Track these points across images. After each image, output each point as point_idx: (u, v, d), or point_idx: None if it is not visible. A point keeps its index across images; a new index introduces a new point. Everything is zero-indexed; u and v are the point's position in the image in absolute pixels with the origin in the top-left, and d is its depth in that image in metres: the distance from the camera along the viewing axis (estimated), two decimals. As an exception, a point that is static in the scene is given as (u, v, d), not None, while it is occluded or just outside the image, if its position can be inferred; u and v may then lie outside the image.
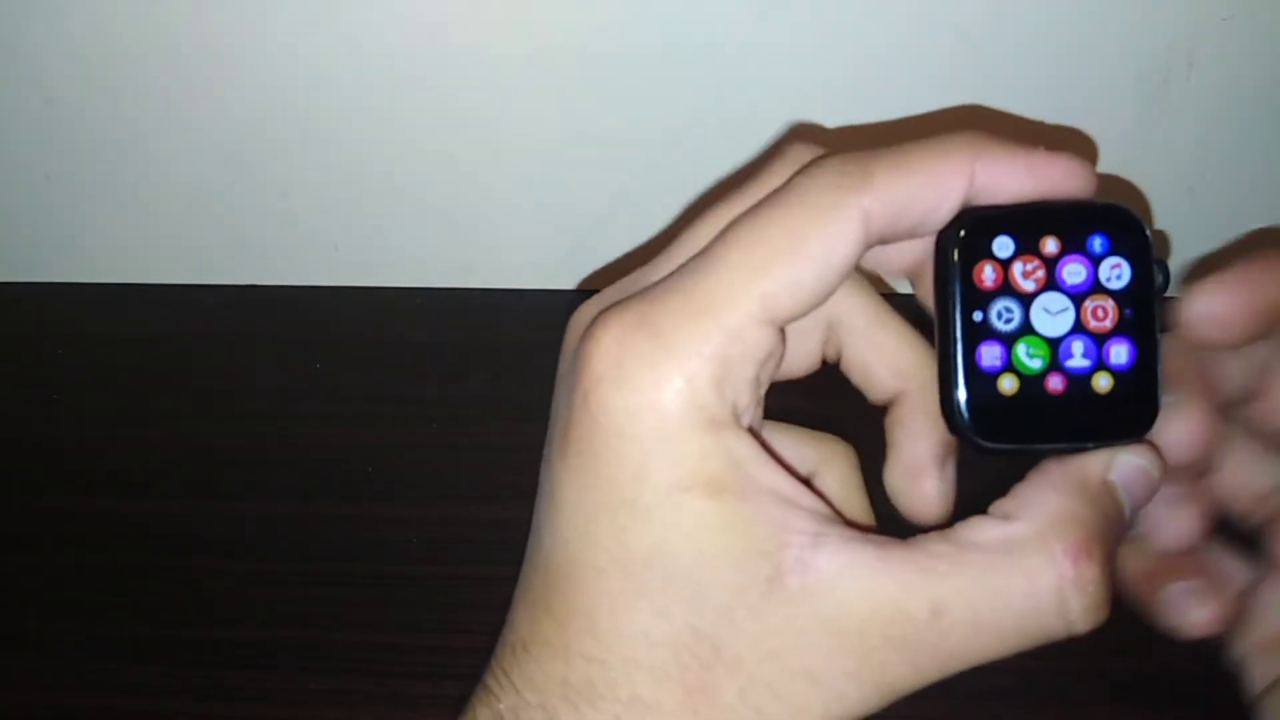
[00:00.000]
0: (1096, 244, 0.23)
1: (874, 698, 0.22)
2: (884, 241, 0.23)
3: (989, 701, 0.40)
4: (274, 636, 0.44)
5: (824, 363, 0.27)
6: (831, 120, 0.48)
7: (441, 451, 0.50)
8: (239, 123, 0.50)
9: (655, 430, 0.22)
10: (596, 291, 0.27)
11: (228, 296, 0.56)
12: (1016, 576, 0.22)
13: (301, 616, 0.45)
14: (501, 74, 0.48)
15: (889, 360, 0.25)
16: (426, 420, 0.51)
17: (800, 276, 0.22)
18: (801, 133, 0.48)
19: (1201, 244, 0.50)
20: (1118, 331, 0.23)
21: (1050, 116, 0.47)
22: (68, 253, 0.56)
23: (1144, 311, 0.23)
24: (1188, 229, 0.49)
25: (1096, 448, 0.24)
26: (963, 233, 0.23)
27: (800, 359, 0.26)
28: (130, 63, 0.48)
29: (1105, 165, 0.48)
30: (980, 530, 0.22)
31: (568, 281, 0.55)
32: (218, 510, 0.48)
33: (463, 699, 0.43)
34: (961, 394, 0.23)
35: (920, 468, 0.25)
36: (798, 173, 0.23)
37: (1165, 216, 0.48)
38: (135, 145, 0.51)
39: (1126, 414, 0.24)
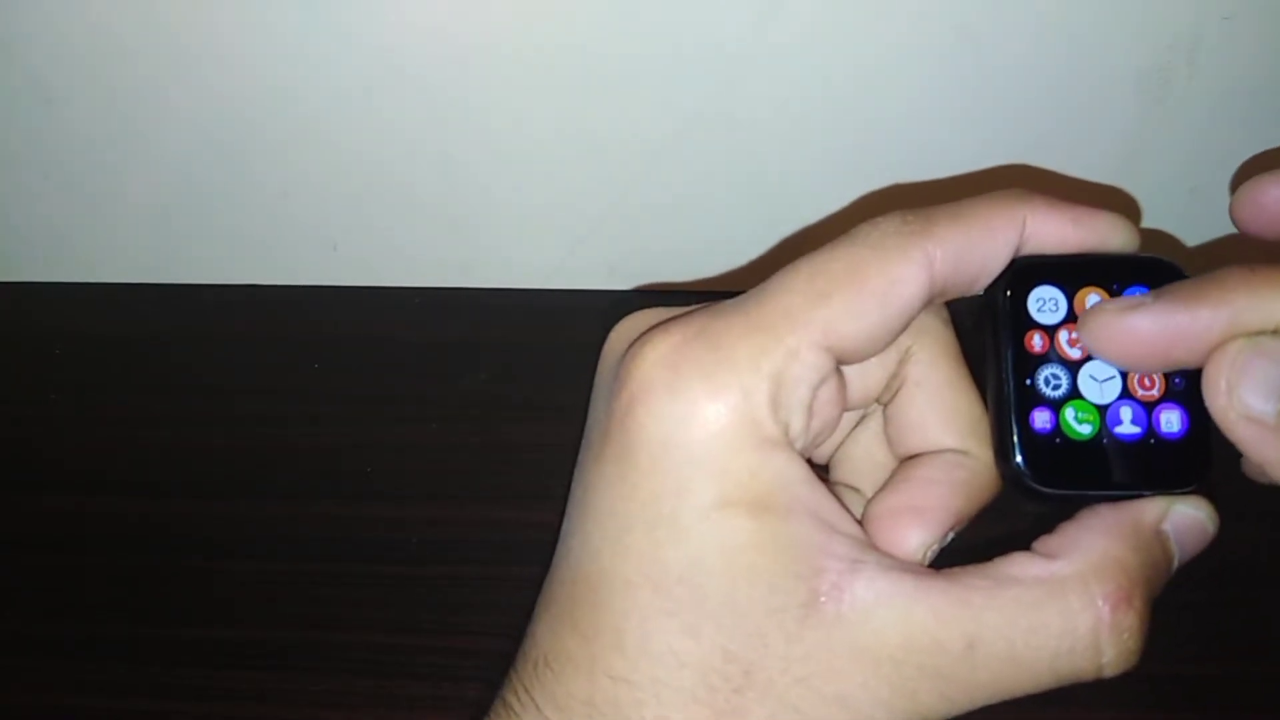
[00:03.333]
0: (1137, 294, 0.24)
1: None
2: (945, 294, 0.24)
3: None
4: (274, 636, 0.44)
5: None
6: (831, 120, 0.48)
7: (441, 451, 0.50)
8: (238, 123, 0.50)
9: (704, 442, 0.22)
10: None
11: (228, 296, 0.56)
12: (1054, 616, 0.22)
13: (301, 616, 0.44)
14: (501, 74, 0.47)
15: (950, 420, 0.24)
16: (426, 420, 0.51)
17: (861, 309, 0.22)
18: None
19: (1204, 245, 0.50)
20: (1167, 398, 0.24)
21: (1051, 116, 0.47)
22: (67, 253, 0.56)
23: (1195, 377, 0.23)
24: (1189, 230, 0.49)
25: (1152, 495, 0.24)
26: (1013, 282, 0.24)
27: (858, 397, 0.25)
28: (129, 63, 0.48)
29: (1106, 165, 0.48)
30: (1021, 566, 0.22)
31: (567, 281, 0.55)
32: (218, 510, 0.48)
33: (462, 700, 0.43)
34: (1016, 439, 0.23)
35: (926, 518, 0.23)
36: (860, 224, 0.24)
37: (1167, 217, 0.48)
38: (134, 145, 0.51)
39: (1181, 464, 0.24)
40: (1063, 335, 0.24)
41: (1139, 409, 0.23)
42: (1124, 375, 0.24)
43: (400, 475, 0.49)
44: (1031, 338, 0.24)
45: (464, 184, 0.52)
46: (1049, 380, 0.24)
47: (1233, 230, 0.25)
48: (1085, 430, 0.23)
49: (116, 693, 0.43)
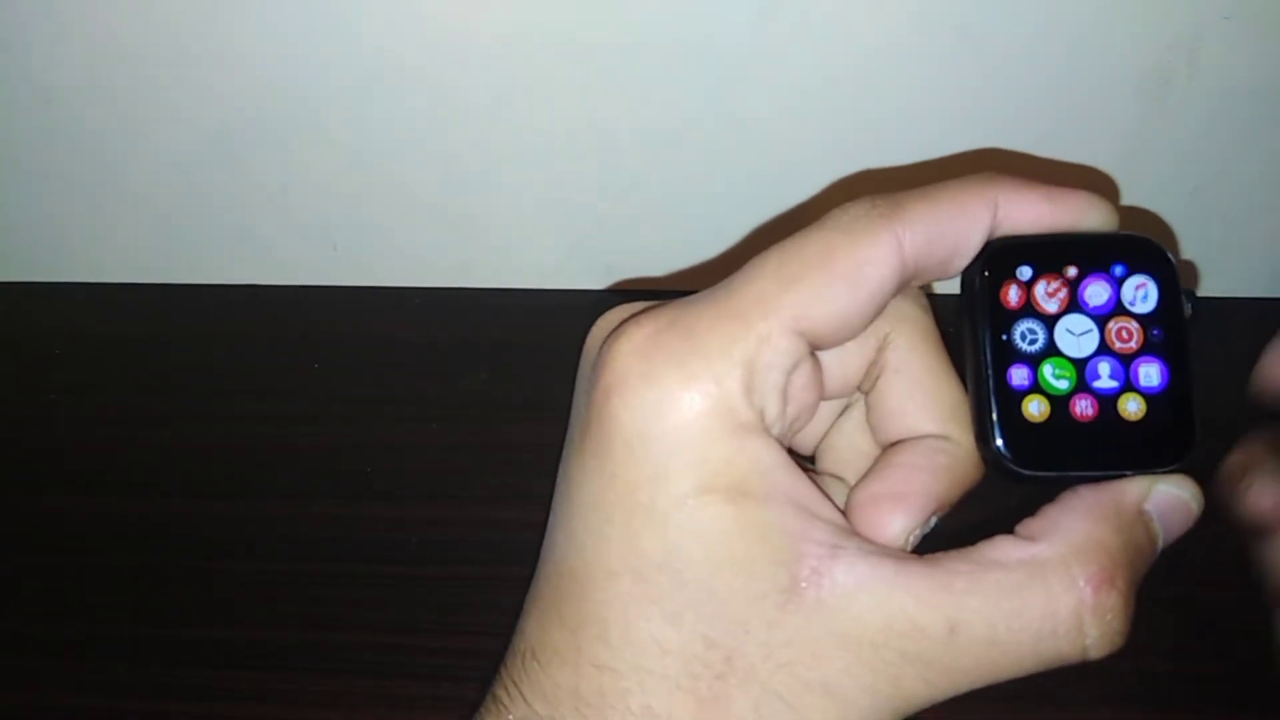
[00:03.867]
0: (1119, 270, 0.24)
1: (887, 711, 0.22)
2: (919, 277, 0.24)
3: (988, 701, 0.40)
4: (274, 636, 0.44)
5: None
6: (831, 118, 0.48)
7: (441, 451, 0.50)
8: (238, 123, 0.50)
9: (679, 430, 0.22)
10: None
11: (228, 296, 0.56)
12: (1036, 598, 0.22)
13: (301, 616, 0.44)
14: (502, 73, 0.47)
15: (931, 405, 0.24)
16: (426, 420, 0.51)
17: (831, 292, 0.22)
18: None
19: (1206, 245, 0.50)
20: (1146, 351, 0.23)
21: (1052, 116, 0.47)
22: (67, 253, 0.56)
23: (1174, 335, 0.23)
24: (1190, 230, 0.49)
25: (1134, 475, 0.23)
26: (988, 261, 0.23)
27: (838, 386, 0.25)
28: (129, 62, 0.48)
29: (1106, 165, 0.48)
30: (1002, 549, 0.22)
31: (567, 281, 0.55)
32: (218, 510, 0.48)
33: (461, 700, 0.43)
34: (996, 421, 0.23)
35: (908, 504, 0.23)
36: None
37: (1168, 216, 0.48)
38: (134, 145, 0.51)
39: (1164, 441, 0.23)
40: (1039, 288, 0.23)
41: (1116, 363, 0.23)
42: (1101, 329, 0.23)
43: (400, 475, 0.49)
44: (1008, 291, 0.23)
45: (464, 184, 0.52)
46: (1025, 335, 0.23)
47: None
48: (1063, 385, 0.23)
49: (116, 693, 0.43)
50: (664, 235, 0.53)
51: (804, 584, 0.22)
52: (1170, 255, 0.24)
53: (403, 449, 0.50)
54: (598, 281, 0.54)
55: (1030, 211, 0.23)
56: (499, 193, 0.52)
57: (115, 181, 0.53)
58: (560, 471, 0.24)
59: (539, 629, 0.24)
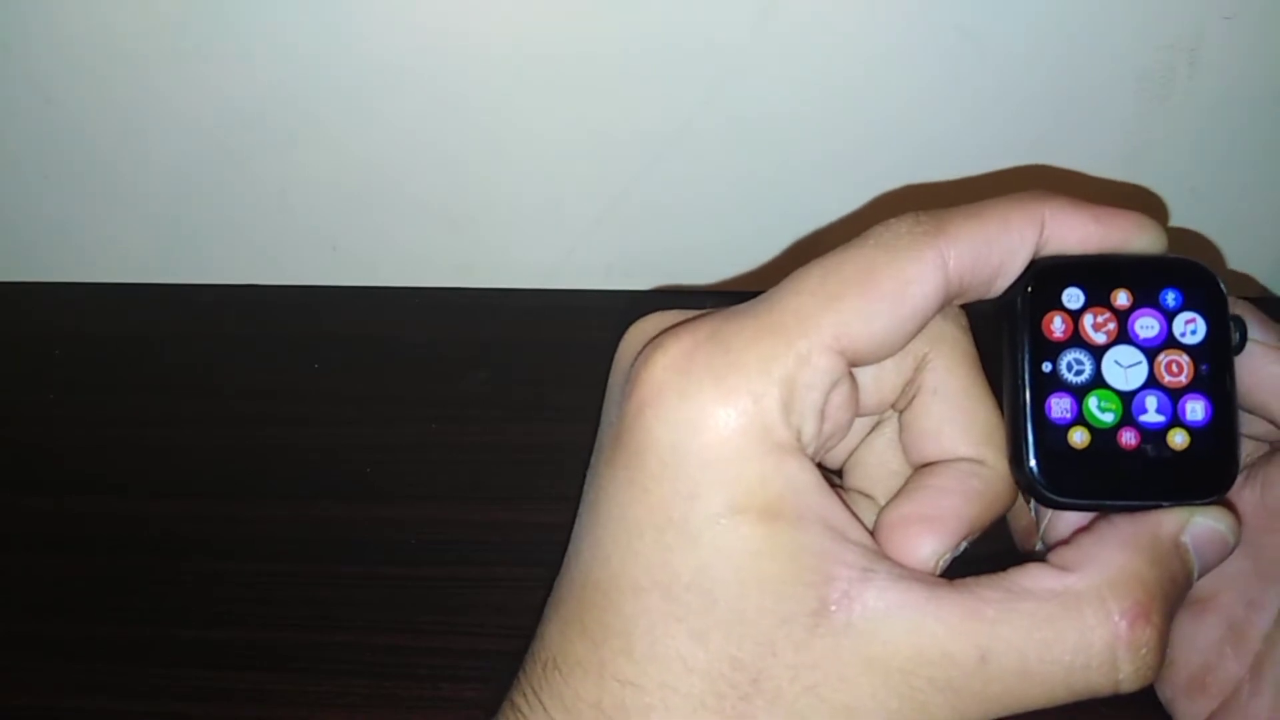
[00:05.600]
0: (1170, 298, 0.23)
1: None
2: (962, 296, 0.23)
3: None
4: (274, 637, 0.44)
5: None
6: (831, 119, 0.48)
7: (441, 451, 0.49)
8: (237, 123, 0.50)
9: (715, 448, 0.22)
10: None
11: (228, 296, 0.56)
12: (1069, 631, 0.21)
13: (301, 617, 0.44)
14: (502, 73, 0.47)
15: (966, 428, 0.24)
16: (426, 420, 0.51)
17: (873, 311, 0.22)
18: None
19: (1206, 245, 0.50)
20: (1193, 388, 0.23)
21: (1052, 115, 0.47)
22: (65, 252, 0.56)
23: (1221, 368, 0.23)
24: (1191, 229, 0.49)
25: (1171, 506, 0.23)
26: (1033, 281, 0.23)
27: (873, 403, 0.25)
28: (128, 62, 0.48)
29: (1107, 165, 0.48)
30: (1036, 578, 0.22)
31: (567, 281, 0.55)
32: (217, 510, 0.48)
33: (461, 700, 0.43)
34: (1031, 445, 0.23)
35: (939, 527, 0.23)
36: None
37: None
38: (133, 145, 0.51)
39: (1204, 473, 0.23)
40: (1088, 319, 0.23)
41: (1164, 397, 0.23)
42: (1150, 361, 0.23)
43: (400, 475, 0.49)
44: (1052, 321, 0.23)
45: (464, 183, 0.52)
46: (1071, 365, 0.23)
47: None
48: (1108, 419, 0.23)
49: (116, 693, 0.43)
50: (664, 236, 0.53)
51: (834, 607, 0.21)
52: (1222, 282, 0.23)
53: (403, 449, 0.50)
54: (598, 282, 0.54)
55: (1078, 231, 0.23)
56: (499, 193, 0.52)
57: (115, 181, 0.53)
58: (588, 480, 0.24)
59: (561, 638, 0.23)
